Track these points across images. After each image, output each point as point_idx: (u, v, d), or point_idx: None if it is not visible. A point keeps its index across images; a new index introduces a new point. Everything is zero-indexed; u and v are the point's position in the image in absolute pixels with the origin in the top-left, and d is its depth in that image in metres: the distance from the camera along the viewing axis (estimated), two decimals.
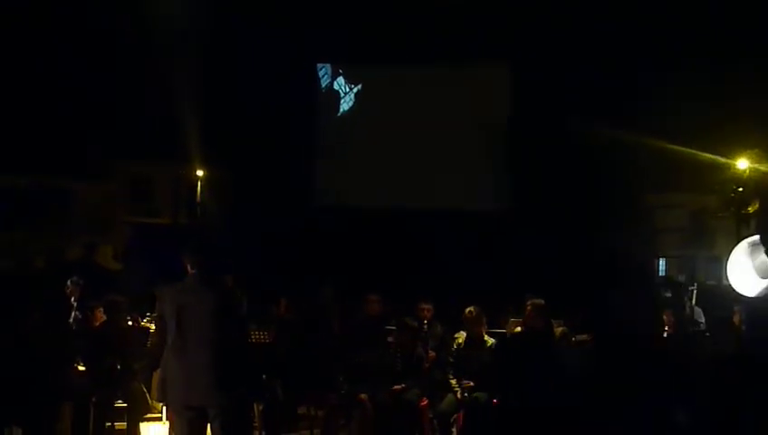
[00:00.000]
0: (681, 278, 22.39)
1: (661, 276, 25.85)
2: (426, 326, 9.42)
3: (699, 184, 20.08)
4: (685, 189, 23.85)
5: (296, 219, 17.08)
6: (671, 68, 16.93)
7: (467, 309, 8.87)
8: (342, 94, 18.60)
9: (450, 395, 8.57)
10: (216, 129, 18.19)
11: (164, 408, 9.44)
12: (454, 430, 8.73)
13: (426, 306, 9.75)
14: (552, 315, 8.77)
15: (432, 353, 9.08)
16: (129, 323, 9.36)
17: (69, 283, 10.53)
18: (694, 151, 17.09)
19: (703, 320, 10.76)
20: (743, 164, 15.82)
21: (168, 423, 9.03)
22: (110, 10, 17.49)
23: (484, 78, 18.18)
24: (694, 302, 10.94)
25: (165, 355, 6.01)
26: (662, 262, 26.80)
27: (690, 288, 11.16)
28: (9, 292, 9.95)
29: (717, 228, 26.10)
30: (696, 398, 8.42)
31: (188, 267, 6.08)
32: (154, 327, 9.58)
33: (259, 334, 8.75)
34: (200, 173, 21.71)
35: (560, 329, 8.45)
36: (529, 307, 8.31)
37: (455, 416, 8.65)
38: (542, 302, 8.31)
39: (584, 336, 8.90)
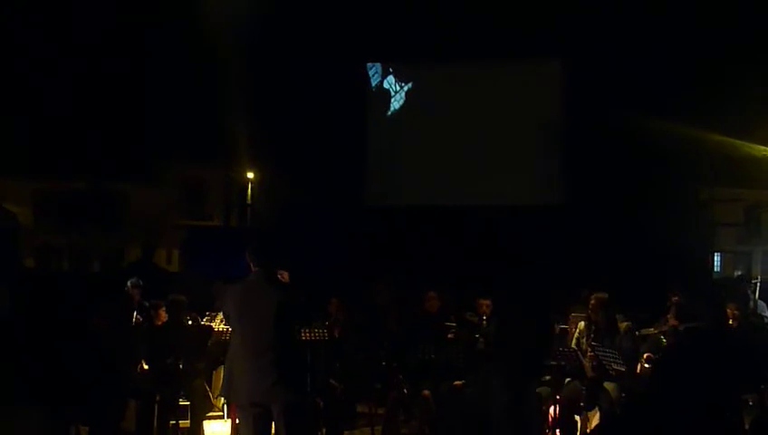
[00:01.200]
0: (738, 273, 22.07)
1: (717, 272, 25.57)
2: (485, 321, 9.35)
3: (755, 178, 19.76)
4: (740, 184, 23.49)
5: (348, 220, 17.09)
6: (726, 61, 16.67)
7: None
8: (393, 93, 18.57)
9: None
10: (266, 131, 18.28)
11: (225, 406, 9.53)
12: None
13: (484, 302, 9.67)
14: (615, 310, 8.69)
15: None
16: (190, 322, 9.40)
17: (129, 284, 10.65)
18: (749, 145, 16.85)
19: (767, 313, 10.60)
20: None
21: (229, 421, 9.09)
22: (162, 16, 17.67)
23: (536, 74, 18.03)
24: (757, 295, 10.78)
25: (230, 353, 6.11)
26: (717, 257, 26.48)
27: (753, 281, 11.00)
28: (71, 293, 10.07)
29: None
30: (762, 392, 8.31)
31: (251, 266, 6.15)
32: (217, 325, 9.74)
33: (319, 332, 8.75)
34: (251, 175, 21.91)
35: (624, 324, 8.34)
36: (593, 301, 8.24)
37: None
38: (606, 295, 8.25)
39: (650, 330, 8.79)
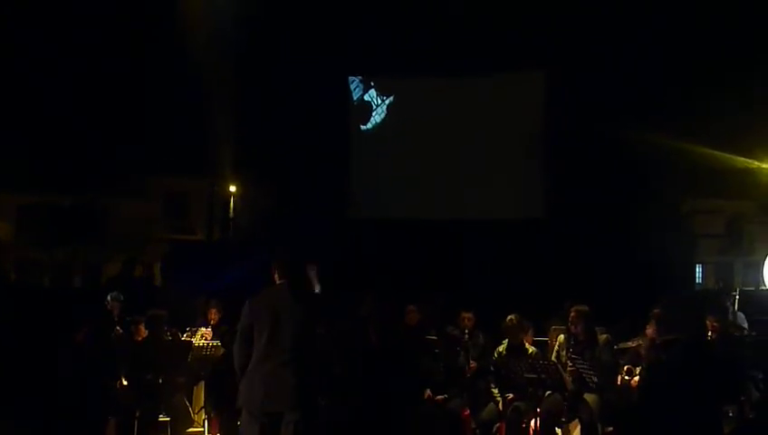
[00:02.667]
0: (720, 285, 22.21)
1: (699, 283, 25.70)
2: (467, 336, 9.37)
3: (736, 189, 19.92)
4: (721, 195, 23.66)
5: (330, 232, 17.07)
6: (708, 72, 16.80)
7: (508, 317, 8.86)
8: (374, 106, 18.59)
9: (492, 404, 8.54)
10: (248, 144, 18.27)
11: (206, 421, 9.50)
12: None
13: (467, 315, 9.70)
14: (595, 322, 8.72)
15: (473, 363, 9.02)
16: (170, 337, 9.38)
17: (109, 298, 10.62)
18: (730, 156, 16.97)
19: (746, 325, 10.66)
20: None
21: None
22: (144, 30, 17.65)
23: (518, 87, 18.07)
24: (736, 307, 10.85)
25: (253, 364, 6.19)
26: (699, 268, 26.64)
27: (732, 293, 11.07)
28: (52, 309, 10.02)
29: (755, 233, 25.92)
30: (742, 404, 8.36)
31: (276, 277, 6.40)
32: (197, 341, 9.71)
33: None
34: (233, 189, 21.88)
35: (603, 336, 8.37)
36: (573, 313, 8.27)
37: (497, 425, 8.61)
38: (586, 308, 8.28)
39: (629, 344, 8.82)
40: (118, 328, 10.08)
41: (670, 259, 17.36)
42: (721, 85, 16.66)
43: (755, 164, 18.08)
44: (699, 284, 26.22)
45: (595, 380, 7.89)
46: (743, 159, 17.72)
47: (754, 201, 18.26)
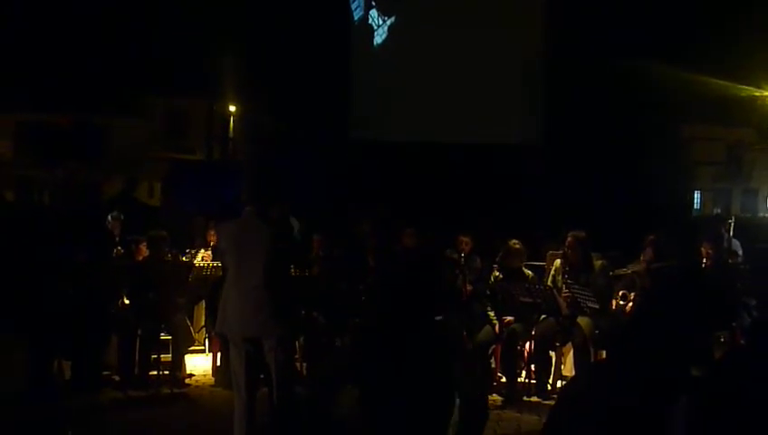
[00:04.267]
0: (717, 211, 22.30)
1: (697, 209, 25.82)
2: (463, 259, 9.46)
3: (735, 117, 19.87)
4: (720, 122, 23.60)
5: (332, 154, 17.09)
6: (712, 2, 16.61)
7: (512, 241, 8.92)
8: (376, 27, 18.41)
9: (488, 327, 8.66)
10: (249, 64, 18.14)
11: (207, 340, 9.66)
12: (492, 361, 8.85)
13: (464, 239, 9.76)
14: (593, 249, 8.81)
15: (469, 287, 9.11)
16: (170, 257, 9.45)
17: (109, 218, 10.70)
18: (730, 84, 16.89)
19: (741, 251, 10.74)
20: None
21: (211, 355, 9.23)
22: None
23: (520, 9, 17.91)
24: (731, 234, 10.92)
25: (225, 288, 6.24)
26: (697, 194, 26.72)
27: (728, 221, 11.12)
28: (53, 229, 10.08)
29: (754, 161, 25.94)
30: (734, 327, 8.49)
31: (245, 202, 6.30)
32: (198, 261, 9.81)
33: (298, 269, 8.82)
34: (233, 109, 21.78)
35: (599, 262, 8.46)
36: (570, 238, 8.35)
37: (493, 347, 8.75)
38: (583, 233, 8.36)
39: (625, 270, 8.91)
40: (119, 247, 10.18)
41: (669, 186, 17.45)
42: (721, 13, 16.51)
43: (756, 92, 18.01)
44: (697, 210, 26.34)
45: (590, 304, 8.01)
46: (743, 86, 17.63)
47: (754, 129, 18.20)
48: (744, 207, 25.70)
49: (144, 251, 9.05)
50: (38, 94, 20.95)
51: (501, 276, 8.96)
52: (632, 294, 8.48)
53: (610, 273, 8.62)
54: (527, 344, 8.57)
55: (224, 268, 6.45)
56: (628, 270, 8.77)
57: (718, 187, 28.17)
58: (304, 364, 8.73)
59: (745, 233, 12.10)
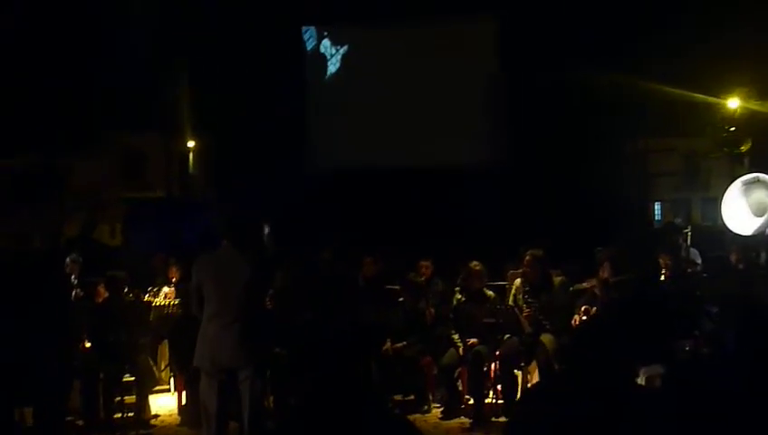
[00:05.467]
0: (678, 221, 22.50)
1: (658, 220, 26.05)
2: (424, 282, 9.50)
3: (691, 126, 20.04)
4: (677, 132, 23.84)
5: (290, 185, 17.04)
6: (660, 8, 16.83)
7: (472, 263, 8.97)
8: (329, 56, 18.50)
9: (452, 350, 8.69)
10: (203, 98, 18.09)
11: (172, 379, 9.57)
12: (459, 384, 8.87)
13: (425, 263, 9.84)
14: (552, 265, 8.88)
15: (431, 310, 9.14)
16: (131, 297, 9.39)
17: (68, 260, 10.59)
18: (684, 93, 17.04)
19: (699, 261, 10.84)
20: (733, 103, 15.75)
21: (176, 394, 9.15)
22: None
23: (471, 32, 18.06)
24: (689, 243, 11.01)
25: (204, 322, 6.33)
26: (657, 206, 26.99)
27: (684, 231, 11.23)
28: (12, 275, 9.96)
29: (711, 169, 26.20)
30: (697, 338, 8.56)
31: (222, 238, 6.48)
32: (158, 301, 9.74)
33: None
34: (191, 144, 21.66)
35: (558, 278, 8.53)
36: (528, 257, 8.42)
37: (458, 370, 8.78)
38: (541, 252, 8.43)
39: (583, 285, 8.98)
40: (78, 290, 10.08)
41: (626, 198, 17.59)
42: (675, 21, 16.72)
43: (710, 99, 18.22)
44: (658, 221, 26.57)
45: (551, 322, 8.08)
46: (697, 95, 17.81)
47: (709, 138, 18.39)
48: (705, 216, 25.95)
49: (103, 292, 8.97)
50: None
51: (463, 298, 9.03)
52: (594, 308, 8.53)
53: (570, 289, 8.69)
54: (492, 365, 8.60)
55: (195, 302, 6.49)
56: (587, 284, 8.83)
57: (678, 197, 28.48)
58: (271, 398, 8.68)
59: (707, 241, 12.21)
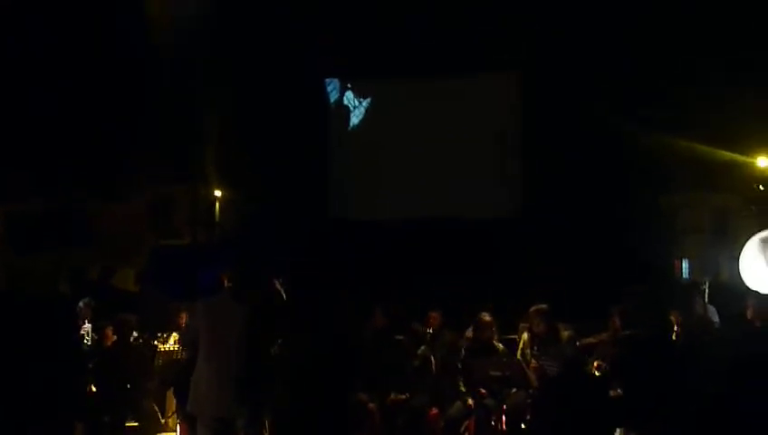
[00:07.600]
0: (705, 279, 22.18)
1: (686, 278, 25.70)
2: (429, 333, 9.47)
3: (720, 183, 19.89)
4: (706, 189, 23.62)
5: (312, 235, 17.09)
6: (689, 66, 16.78)
7: (482, 314, 8.92)
8: (352, 108, 18.65)
9: (458, 402, 8.60)
10: (230, 148, 18.31)
11: (178, 426, 9.52)
12: None
13: (434, 314, 9.81)
14: (568, 321, 8.79)
15: (434, 361, 9.09)
16: (140, 341, 9.41)
17: (81, 304, 10.64)
18: (714, 150, 16.94)
19: (716, 319, 10.61)
20: (763, 162, 15.68)
21: None
22: (125, 30, 17.60)
23: (495, 86, 18.11)
24: (706, 300, 10.81)
25: (197, 368, 6.29)
26: (685, 263, 26.64)
27: (702, 287, 11.03)
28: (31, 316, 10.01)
29: (740, 227, 25.89)
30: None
31: (225, 282, 6.60)
32: (169, 345, 9.75)
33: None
34: (218, 193, 21.92)
35: (566, 332, 8.45)
36: (532, 312, 8.38)
37: (465, 423, 8.67)
38: (545, 306, 8.37)
39: (590, 339, 8.88)
40: (93, 334, 10.10)
41: (652, 256, 17.39)
42: (705, 78, 16.65)
43: (740, 157, 18.10)
44: (686, 279, 26.22)
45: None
46: (727, 152, 17.69)
47: (740, 195, 18.23)
48: (733, 274, 25.59)
49: (111, 336, 9.01)
50: (23, 182, 21.06)
51: (472, 349, 8.96)
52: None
53: (577, 343, 8.59)
54: (500, 418, 8.49)
55: (191, 347, 6.45)
56: (593, 339, 8.73)
57: (706, 254, 28.12)
58: None
59: (730, 299, 11.97)
